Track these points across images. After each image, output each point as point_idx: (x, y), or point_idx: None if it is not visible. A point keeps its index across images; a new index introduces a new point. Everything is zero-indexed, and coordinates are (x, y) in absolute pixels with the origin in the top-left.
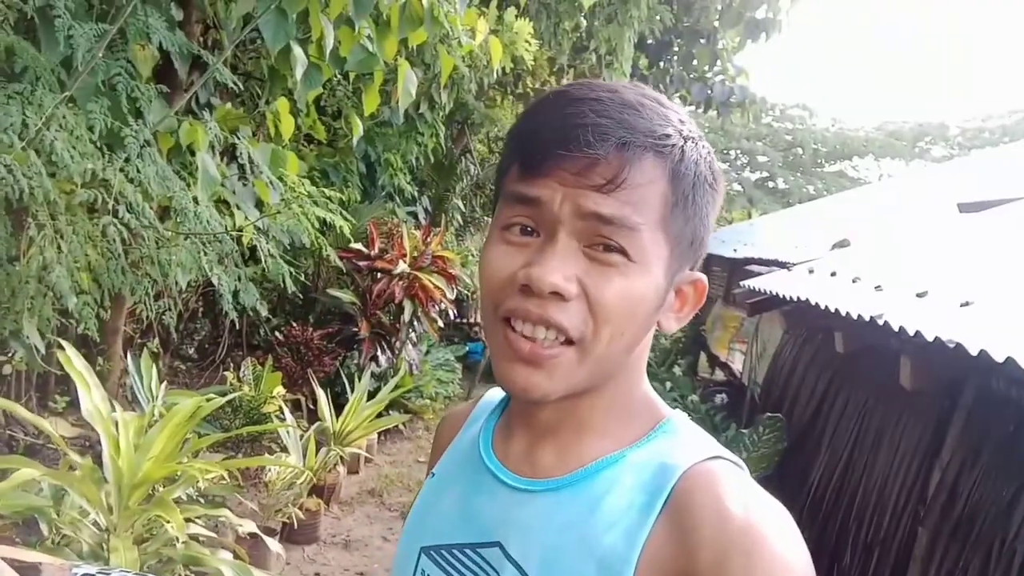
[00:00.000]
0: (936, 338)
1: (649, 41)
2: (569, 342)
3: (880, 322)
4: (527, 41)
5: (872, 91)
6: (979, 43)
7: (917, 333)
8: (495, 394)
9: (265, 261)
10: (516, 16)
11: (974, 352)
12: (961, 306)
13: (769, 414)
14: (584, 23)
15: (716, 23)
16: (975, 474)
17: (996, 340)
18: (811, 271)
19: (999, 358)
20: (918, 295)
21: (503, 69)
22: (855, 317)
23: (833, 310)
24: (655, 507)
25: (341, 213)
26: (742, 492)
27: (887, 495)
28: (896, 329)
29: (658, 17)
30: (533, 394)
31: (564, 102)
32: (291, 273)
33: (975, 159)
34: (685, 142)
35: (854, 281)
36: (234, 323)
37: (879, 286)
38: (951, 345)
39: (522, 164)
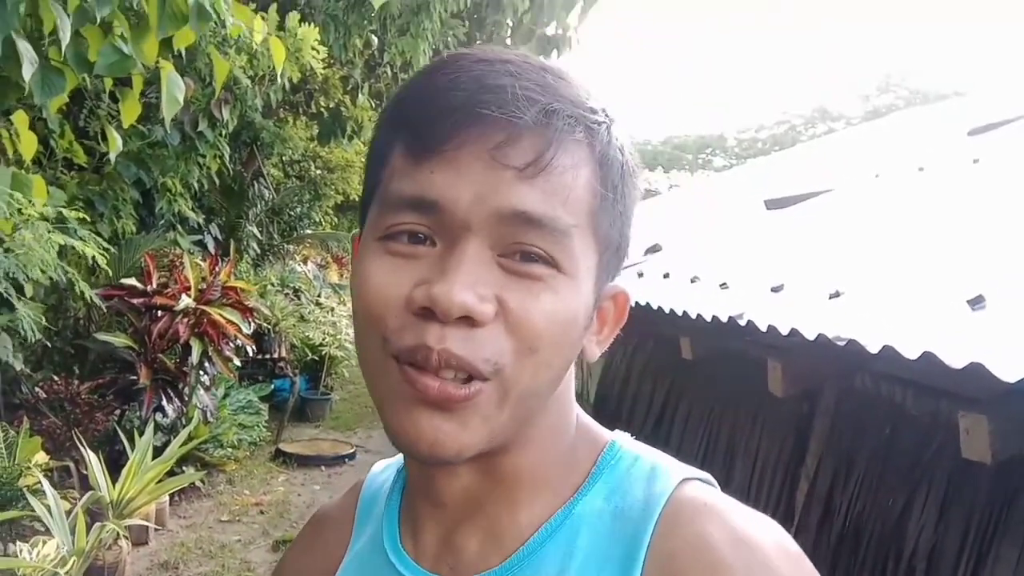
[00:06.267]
0: (820, 335)
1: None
2: (483, 378)
3: (742, 322)
4: (314, 48)
5: (655, 106)
6: (750, 55)
7: (793, 331)
8: (380, 476)
9: None
10: (300, 22)
11: (874, 350)
12: (830, 297)
13: None
14: (376, 41)
15: (508, 41)
16: (851, 484)
17: (893, 335)
18: (640, 274)
19: (911, 355)
20: (773, 289)
21: (291, 85)
22: (709, 319)
23: (681, 313)
24: (634, 570)
25: (96, 241)
26: (735, 529)
27: None
28: (764, 329)
29: (451, 32)
30: (445, 451)
31: (467, 63)
32: (35, 319)
33: (753, 165)
34: (611, 122)
35: (693, 281)
36: None
37: (724, 284)
38: (840, 344)
39: (411, 145)
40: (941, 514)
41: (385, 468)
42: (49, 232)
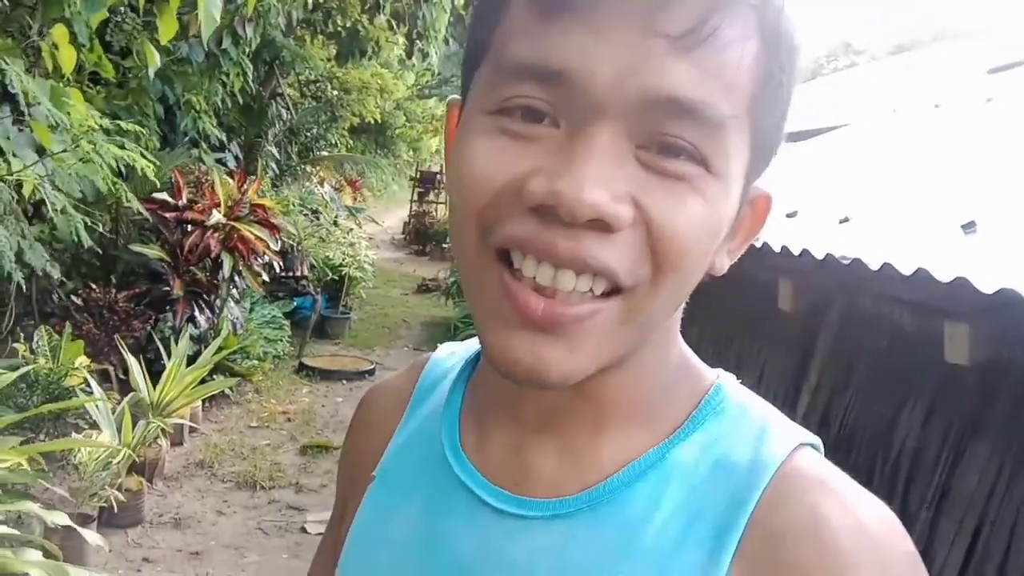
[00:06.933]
0: (828, 255)
1: None
2: (612, 292)
3: (757, 244)
4: None
5: None
6: None
7: (804, 252)
8: (446, 361)
9: (52, 214)
10: None
11: (874, 267)
12: (840, 222)
13: None
14: None
15: None
16: (848, 395)
17: (892, 255)
18: None
19: (906, 271)
20: (787, 215)
21: (313, 3)
22: None
23: None
24: (728, 542)
25: (142, 153)
26: (855, 516)
27: None
28: (778, 250)
29: None
30: (547, 378)
31: None
32: (86, 226)
33: None
34: None
35: None
36: (21, 289)
37: None
38: (845, 262)
39: None
40: (926, 419)
41: (452, 354)
42: (107, 143)
